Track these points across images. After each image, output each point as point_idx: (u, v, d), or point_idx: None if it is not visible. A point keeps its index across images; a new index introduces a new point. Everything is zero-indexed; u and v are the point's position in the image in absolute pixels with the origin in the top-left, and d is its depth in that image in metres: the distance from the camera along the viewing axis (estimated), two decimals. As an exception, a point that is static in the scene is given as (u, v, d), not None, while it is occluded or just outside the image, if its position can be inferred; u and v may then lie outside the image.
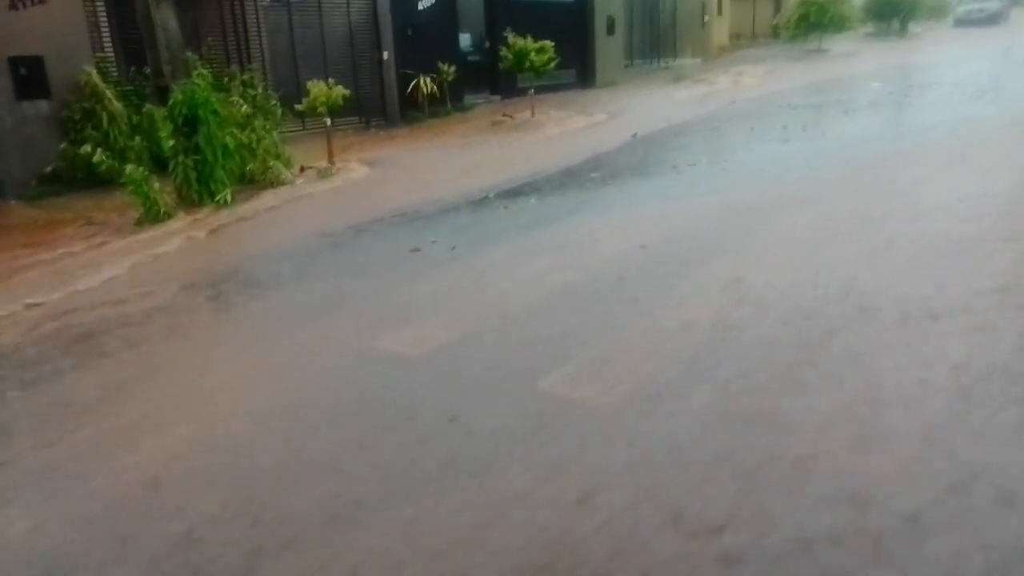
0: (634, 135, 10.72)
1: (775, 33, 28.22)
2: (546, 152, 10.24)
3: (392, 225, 6.75)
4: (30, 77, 8.97)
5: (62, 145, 9.07)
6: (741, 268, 4.71)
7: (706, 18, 24.29)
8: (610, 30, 19.28)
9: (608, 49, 19.29)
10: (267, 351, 4.11)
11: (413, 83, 13.72)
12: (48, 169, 9.05)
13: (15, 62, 8.84)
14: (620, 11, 19.93)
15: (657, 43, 23.26)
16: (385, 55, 13.89)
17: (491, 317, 4.27)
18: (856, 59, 21.25)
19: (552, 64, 14.01)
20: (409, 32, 14.03)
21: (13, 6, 8.80)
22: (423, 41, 14.18)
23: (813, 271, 4.53)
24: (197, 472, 2.92)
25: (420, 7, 14.24)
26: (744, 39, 28.09)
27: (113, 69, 10.07)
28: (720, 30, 25.60)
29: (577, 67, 18.40)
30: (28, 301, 5.19)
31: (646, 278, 4.71)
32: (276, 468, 2.90)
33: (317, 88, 10.37)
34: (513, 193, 7.63)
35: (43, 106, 9.13)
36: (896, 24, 29.40)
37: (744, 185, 7.09)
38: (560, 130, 12.18)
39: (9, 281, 5.76)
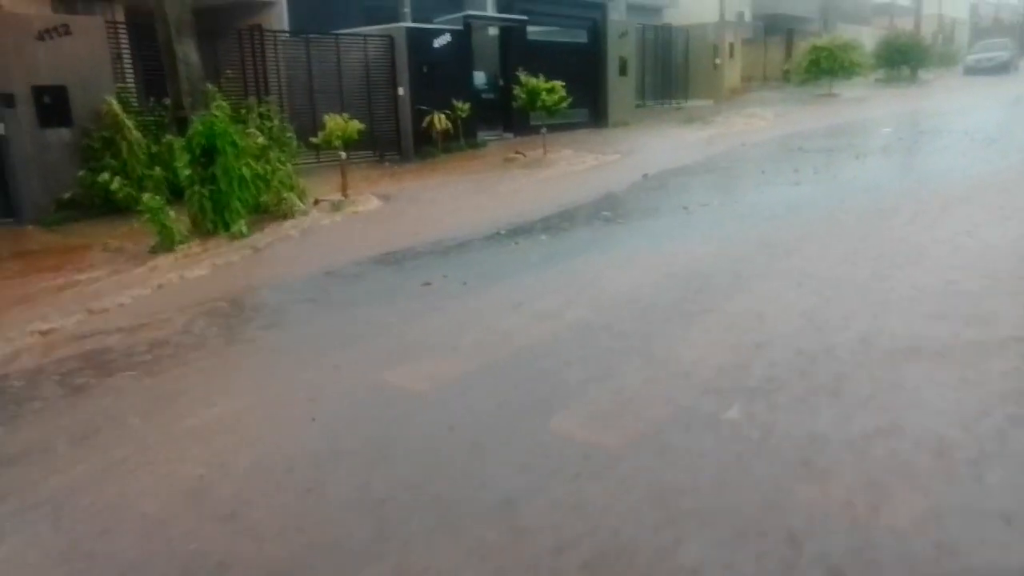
0: (645, 175, 10.80)
1: (786, 77, 28.57)
2: (557, 190, 10.32)
3: (405, 259, 6.79)
4: (53, 106, 9.14)
5: (81, 172, 9.20)
6: (752, 309, 4.71)
7: (717, 61, 24.62)
8: (622, 71, 19.55)
9: (620, 89, 19.53)
10: (276, 383, 4.12)
11: (428, 119, 13.90)
12: (67, 195, 9.17)
13: (39, 91, 9.02)
14: (632, 52, 20.23)
15: (669, 84, 23.55)
16: (401, 91, 14.09)
17: (501, 353, 4.28)
18: (866, 104, 21.46)
19: (563, 103, 14.19)
20: (425, 69, 14.26)
21: (40, 37, 9.00)
22: (438, 78, 14.40)
23: (822, 314, 4.53)
24: (192, 510, 2.91)
25: (436, 45, 14.49)
26: (755, 82, 28.43)
27: (133, 99, 10.25)
28: (731, 73, 25.92)
29: (589, 106, 18.63)
30: (42, 327, 5.22)
31: (656, 317, 4.72)
32: (275, 505, 2.89)
33: (333, 121, 10.51)
34: (524, 230, 7.67)
35: (65, 134, 9.28)
36: (906, 71, 29.72)
37: (755, 226, 7.12)
38: (571, 168, 12.28)
39: (24, 305, 5.80)
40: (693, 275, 5.61)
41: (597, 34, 19.00)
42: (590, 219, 8.13)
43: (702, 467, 2.94)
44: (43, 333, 5.11)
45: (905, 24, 33.59)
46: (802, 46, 26.58)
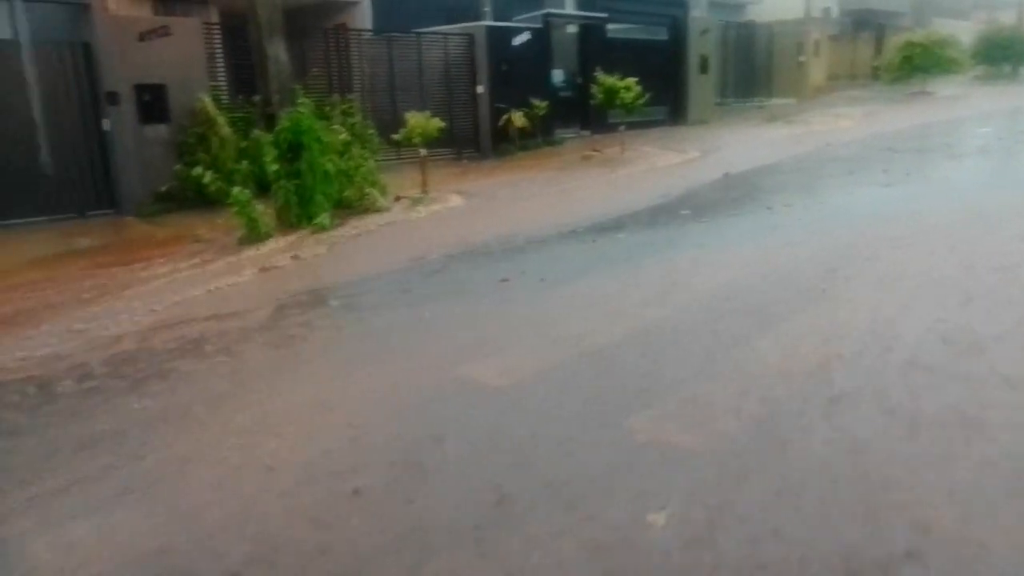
0: (726, 174, 10.58)
1: (876, 75, 27.48)
2: (635, 188, 10.23)
3: (482, 255, 6.86)
4: (153, 103, 9.61)
5: (176, 166, 9.64)
6: (838, 314, 4.56)
7: (802, 58, 23.90)
8: (703, 68, 19.20)
9: (700, 87, 19.19)
10: (355, 373, 4.22)
11: (505, 116, 13.97)
12: (163, 188, 9.62)
13: (141, 89, 9.49)
14: (714, 50, 19.84)
15: (751, 82, 23.01)
16: (480, 89, 14.22)
17: (578, 351, 4.27)
18: (963, 103, 20.46)
19: (641, 101, 14.03)
20: (503, 67, 14.34)
21: (142, 38, 9.47)
22: (517, 76, 14.46)
23: (911, 320, 4.35)
24: (280, 491, 3.01)
25: (515, 43, 14.55)
26: (842, 80, 27.43)
27: (224, 97, 10.67)
28: (817, 70, 25.10)
29: (669, 104, 18.37)
30: (140, 312, 5.49)
31: (737, 319, 4.62)
32: (353, 489, 2.96)
33: (414, 119, 10.67)
34: (602, 227, 7.63)
35: (162, 130, 9.74)
36: (1007, 68, 28.21)
37: (842, 228, 6.88)
38: (650, 166, 12.15)
39: (125, 291, 6.12)
40: (777, 276, 5.47)
41: (678, 31, 18.73)
42: (670, 217, 8.02)
43: (788, 475, 2.87)
44: (142, 318, 5.37)
45: (1006, 18, 31.84)
46: (893, 42, 25.50)
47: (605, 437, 3.23)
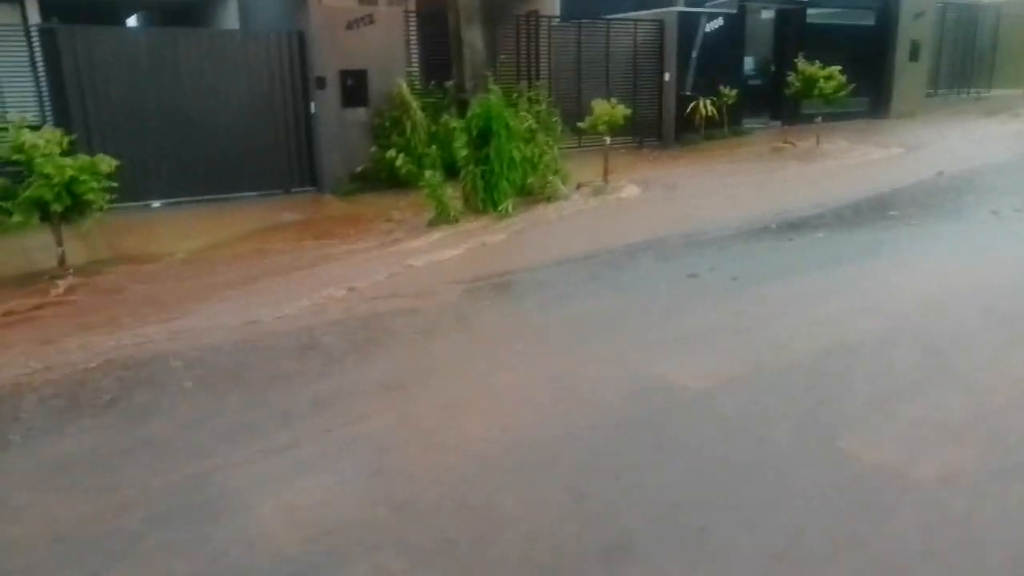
0: (939, 172, 9.58)
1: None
2: (834, 183, 9.51)
3: (668, 248, 6.63)
4: (354, 88, 10.14)
5: (372, 149, 10.14)
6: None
7: (1034, 44, 21.19)
8: (913, 56, 17.51)
9: (909, 76, 17.53)
10: (543, 363, 4.18)
11: (692, 105, 13.50)
12: (359, 169, 10.16)
13: (345, 75, 10.05)
14: (927, 34, 18.03)
15: (969, 71, 20.73)
16: (667, 76, 13.82)
17: (777, 358, 3.99)
18: None
19: (842, 91, 13.01)
20: (693, 54, 13.84)
21: (349, 26, 10.01)
22: (706, 63, 13.90)
23: None
24: (492, 468, 3.01)
25: (708, 29, 13.99)
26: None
27: (417, 82, 11.07)
28: (1051, 57, 22.17)
29: (870, 95, 16.94)
30: (338, 287, 5.80)
31: (965, 338, 4.12)
32: (559, 487, 2.90)
33: (600, 107, 10.54)
34: (798, 225, 7.15)
35: (361, 114, 10.27)
36: None
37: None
38: (849, 161, 11.26)
39: (323, 266, 6.50)
40: (1007, 291, 4.84)
41: (887, 15, 17.18)
42: (874, 218, 7.37)
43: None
44: (341, 293, 5.67)
45: None
46: None
47: (819, 456, 2.97)
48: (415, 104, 10.39)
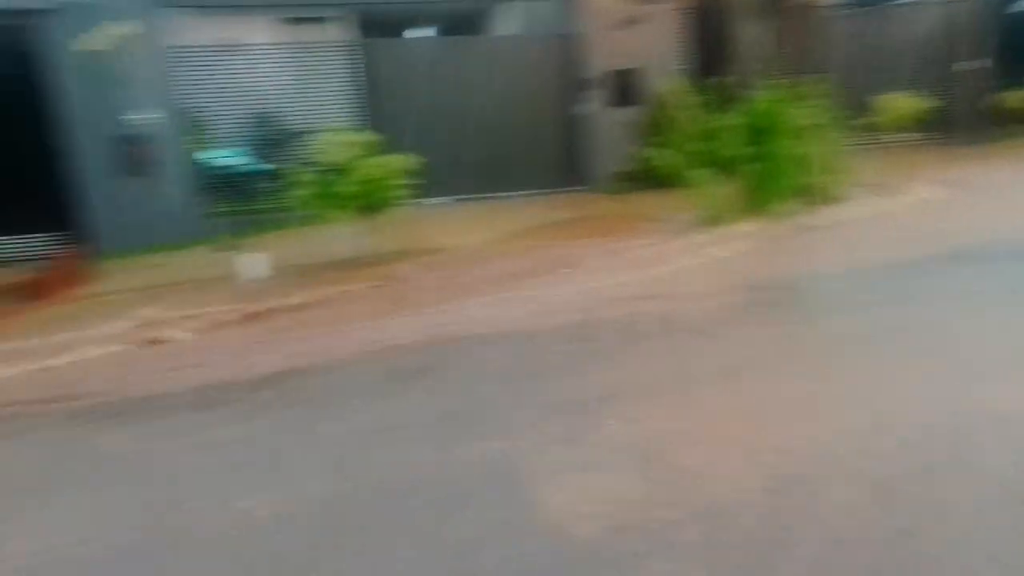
0: None
1: None
2: None
3: (981, 259, 5.83)
4: (624, 87, 10.22)
5: (639, 148, 10.14)
6: None
7: None
8: None
9: None
10: (848, 377, 3.86)
11: (1002, 96, 11.82)
12: (626, 168, 10.22)
13: (614, 74, 10.16)
14: None
15: None
16: (968, 65, 12.23)
17: None
18: None
19: None
20: (1002, 39, 12.10)
21: (621, 26, 10.09)
22: (1019, 49, 12.08)
23: None
24: (796, 481, 2.84)
25: (1017, 10, 12.15)
26: None
27: (687, 80, 10.85)
28: None
29: None
30: (601, 284, 5.86)
31: None
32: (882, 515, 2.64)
33: (890, 100, 9.62)
34: None
35: (629, 113, 10.32)
36: None
37: None
38: None
39: (594, 263, 6.61)
40: None
41: None
42: None
43: None
44: (614, 289, 5.73)
45: None
46: None
47: None
48: (684, 102, 10.22)
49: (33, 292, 7.00)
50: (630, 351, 4.46)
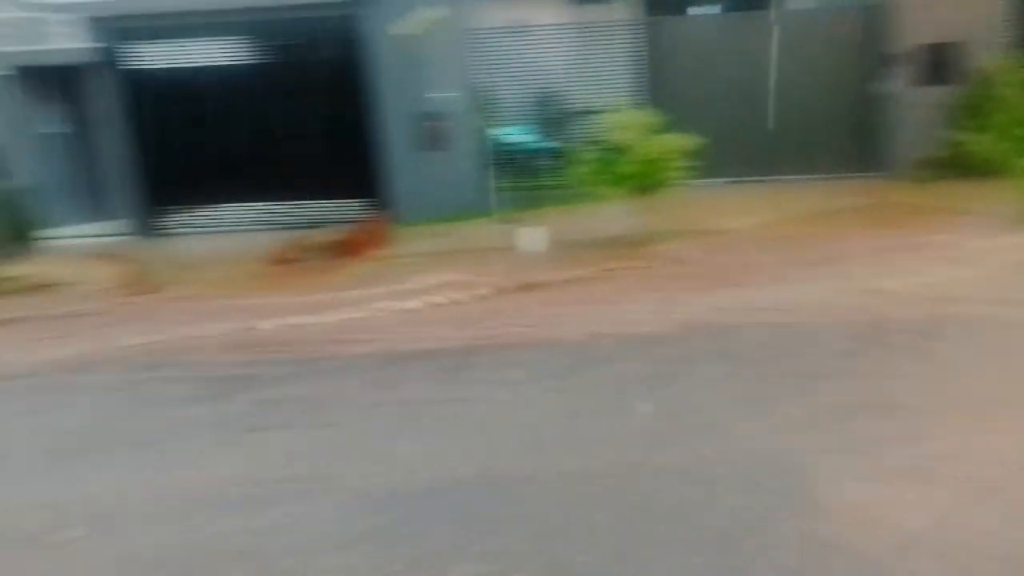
0: None
1: None
2: None
3: None
4: (936, 63, 9.09)
5: (948, 131, 8.98)
6: None
7: None
8: None
9: None
10: None
11: None
12: (934, 154, 9.10)
13: (926, 49, 9.06)
14: None
15: None
16: None
17: None
18: None
19: None
20: None
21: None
22: None
23: None
24: None
25: None
26: None
27: (1015, 55, 9.37)
28: None
29: None
30: (886, 282, 5.30)
31: None
32: None
33: None
34: None
35: (939, 92, 9.15)
36: None
37: None
38: None
39: (866, 260, 6.03)
40: None
41: None
42: None
43: None
44: (895, 287, 5.19)
45: None
46: None
47: None
48: (1012, 80, 8.85)
49: (343, 251, 7.99)
50: (944, 358, 4.03)
